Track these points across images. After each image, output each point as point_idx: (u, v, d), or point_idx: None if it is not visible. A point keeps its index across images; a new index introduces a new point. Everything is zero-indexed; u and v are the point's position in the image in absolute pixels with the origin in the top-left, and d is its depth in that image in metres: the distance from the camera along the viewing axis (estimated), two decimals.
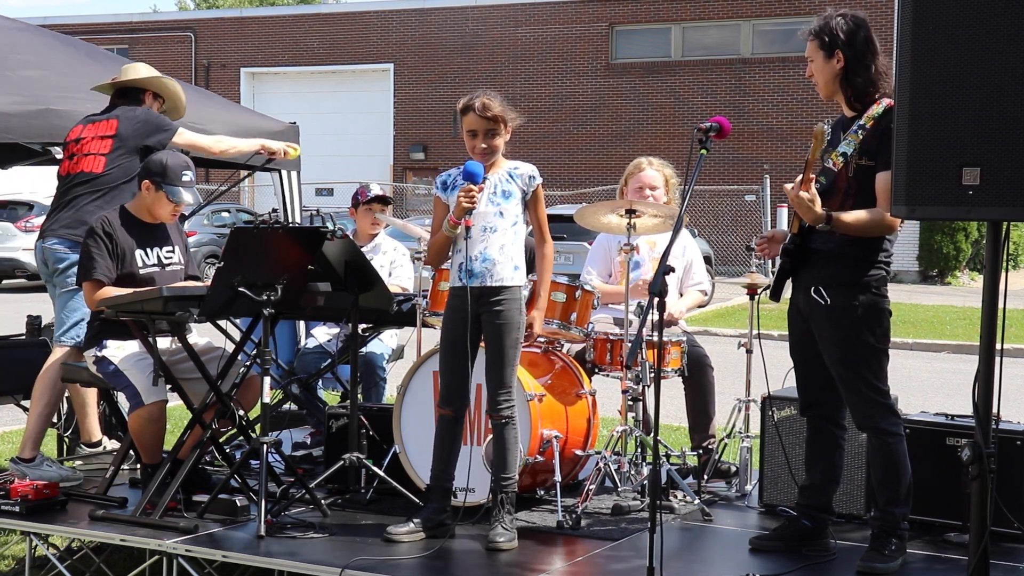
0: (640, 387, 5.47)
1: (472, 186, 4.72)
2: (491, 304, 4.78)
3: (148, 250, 5.37)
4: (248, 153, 6.41)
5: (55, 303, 5.77)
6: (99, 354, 5.30)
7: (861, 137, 4.52)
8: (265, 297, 4.96)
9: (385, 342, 6.66)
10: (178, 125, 5.99)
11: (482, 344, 4.87)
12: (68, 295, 5.67)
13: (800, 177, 4.46)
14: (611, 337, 5.64)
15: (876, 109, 4.53)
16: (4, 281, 22.61)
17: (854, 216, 4.48)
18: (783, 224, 20.46)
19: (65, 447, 6.45)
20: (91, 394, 5.90)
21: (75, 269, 5.58)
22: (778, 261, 4.80)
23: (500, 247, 4.81)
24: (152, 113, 5.91)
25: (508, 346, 4.80)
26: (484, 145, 4.82)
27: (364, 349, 6.35)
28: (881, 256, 4.58)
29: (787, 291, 4.81)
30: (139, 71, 6.04)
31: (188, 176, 5.35)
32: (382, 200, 6.76)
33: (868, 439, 4.65)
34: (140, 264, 5.31)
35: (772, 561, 4.63)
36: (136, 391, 5.18)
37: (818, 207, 4.43)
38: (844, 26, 4.53)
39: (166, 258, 5.43)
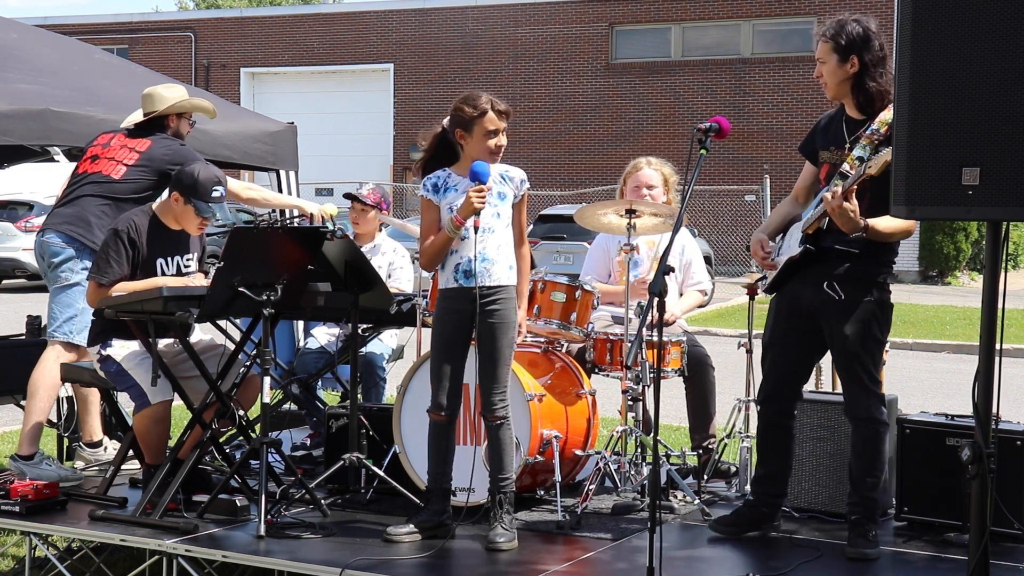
0: (640, 387, 5.47)
1: (483, 186, 4.73)
2: (487, 304, 4.78)
3: (169, 259, 5.35)
4: (278, 207, 6.42)
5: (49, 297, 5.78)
6: (104, 353, 5.29)
7: (876, 142, 4.58)
8: (265, 297, 4.96)
9: (385, 342, 6.66)
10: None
11: (473, 343, 4.87)
12: (61, 290, 5.67)
13: (842, 187, 4.51)
14: (611, 337, 5.64)
15: (887, 115, 4.54)
16: (4, 281, 22.60)
17: (886, 224, 4.57)
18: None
19: (65, 448, 6.45)
20: (94, 392, 5.91)
21: (70, 264, 5.60)
22: (780, 256, 4.85)
23: (497, 247, 4.81)
24: (187, 149, 5.92)
25: (504, 345, 4.80)
26: (505, 143, 4.83)
27: (364, 349, 6.35)
28: (893, 256, 4.78)
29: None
30: (156, 101, 5.95)
31: (219, 192, 5.27)
32: (353, 199, 6.68)
33: (857, 428, 4.76)
34: (160, 273, 5.30)
35: (771, 561, 4.64)
36: (142, 391, 5.17)
37: (859, 217, 4.52)
38: (860, 32, 4.61)
39: (185, 266, 5.43)
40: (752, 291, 5.78)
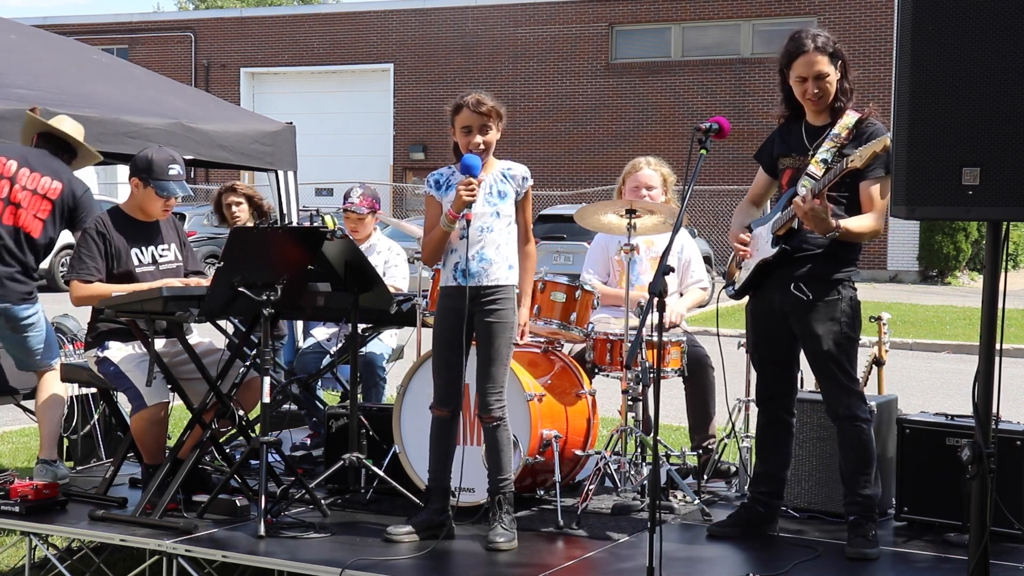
0: (640, 387, 5.47)
1: (472, 179, 4.73)
2: (485, 303, 4.78)
3: (143, 249, 5.36)
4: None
5: (17, 349, 5.55)
6: (101, 355, 5.31)
7: (838, 145, 4.67)
8: (265, 297, 4.96)
9: (385, 342, 6.66)
10: None
11: (474, 343, 4.87)
12: (24, 338, 5.48)
13: (813, 188, 4.54)
14: (611, 337, 5.64)
15: (848, 119, 4.70)
16: None
17: (859, 225, 4.64)
18: None
19: (65, 447, 6.42)
20: (57, 414, 5.70)
21: (36, 317, 5.42)
22: (750, 259, 4.91)
23: (496, 247, 4.81)
24: (91, 198, 5.62)
25: (502, 345, 4.80)
26: (479, 140, 4.82)
27: (364, 349, 6.35)
28: (856, 255, 4.83)
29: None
30: (67, 126, 5.70)
31: (175, 169, 5.33)
32: (349, 210, 6.67)
33: (842, 428, 4.78)
34: (136, 263, 5.31)
35: (771, 561, 4.64)
36: (139, 393, 5.18)
37: (832, 218, 4.55)
38: (832, 37, 4.72)
39: (160, 256, 5.43)
40: None
